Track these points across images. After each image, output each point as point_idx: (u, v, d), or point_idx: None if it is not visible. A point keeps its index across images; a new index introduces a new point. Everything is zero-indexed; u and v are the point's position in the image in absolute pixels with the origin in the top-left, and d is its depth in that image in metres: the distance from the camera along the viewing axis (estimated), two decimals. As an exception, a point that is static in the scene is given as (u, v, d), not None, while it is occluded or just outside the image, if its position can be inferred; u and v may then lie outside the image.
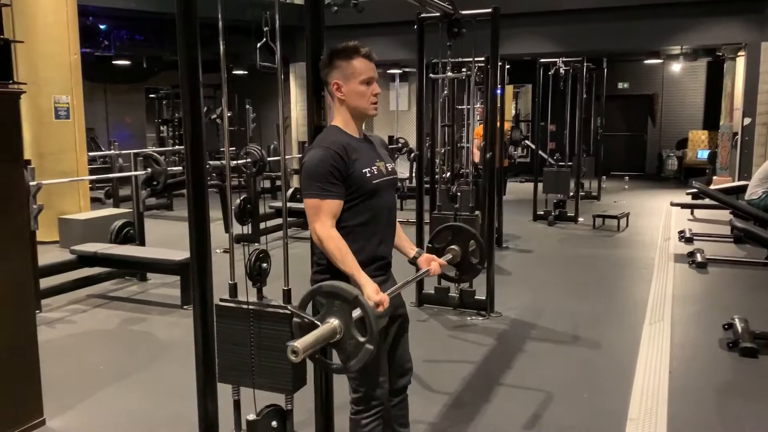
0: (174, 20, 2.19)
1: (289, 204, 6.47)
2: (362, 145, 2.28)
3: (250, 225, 2.72)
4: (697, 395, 3.60)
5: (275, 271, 2.49)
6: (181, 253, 5.19)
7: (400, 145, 11.87)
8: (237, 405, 2.48)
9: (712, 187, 9.52)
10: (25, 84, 3.45)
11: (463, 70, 6.21)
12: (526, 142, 12.71)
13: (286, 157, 10.61)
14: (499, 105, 6.77)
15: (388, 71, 14.95)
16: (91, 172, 10.20)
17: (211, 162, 7.00)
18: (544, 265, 6.95)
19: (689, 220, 9.20)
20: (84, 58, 8.62)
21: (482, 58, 6.37)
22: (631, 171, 15.65)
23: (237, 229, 2.62)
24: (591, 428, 3.25)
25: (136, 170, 6.33)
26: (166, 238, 7.50)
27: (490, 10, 4.93)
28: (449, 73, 5.26)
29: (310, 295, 1.98)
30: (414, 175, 10.35)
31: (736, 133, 11.60)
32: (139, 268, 5.99)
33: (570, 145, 10.08)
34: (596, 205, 10.77)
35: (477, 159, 7.04)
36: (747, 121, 11.16)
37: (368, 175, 2.22)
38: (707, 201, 8.12)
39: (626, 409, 3.39)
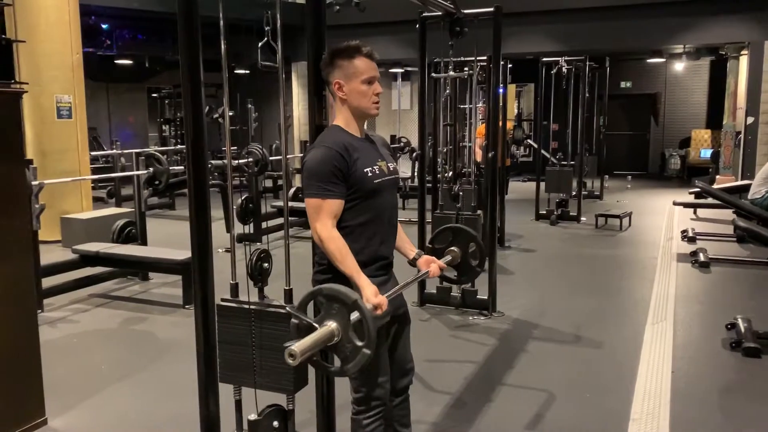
0: (176, 19, 2.19)
1: (290, 203, 6.48)
2: (364, 145, 2.28)
3: (251, 224, 2.72)
4: (700, 395, 3.59)
5: (277, 270, 2.49)
6: (182, 252, 5.18)
7: (402, 144, 11.86)
8: (238, 405, 2.49)
9: (715, 186, 9.49)
10: (27, 84, 3.45)
11: (465, 69, 6.21)
12: (529, 141, 12.68)
13: (288, 156, 10.62)
14: (501, 104, 6.76)
15: (390, 70, 14.94)
16: (94, 171, 10.22)
17: (212, 161, 7.01)
18: (546, 265, 6.94)
19: (692, 219, 9.18)
20: (86, 58, 8.63)
21: (484, 57, 6.36)
22: (634, 170, 15.62)
23: (239, 228, 2.62)
24: (593, 428, 3.24)
25: (138, 170, 6.33)
26: (168, 238, 7.50)
27: (492, 9, 4.91)
28: (451, 73, 5.25)
29: (310, 296, 1.98)
30: (416, 174, 10.37)
31: (739, 132, 11.57)
32: (140, 268, 5.99)
33: (572, 144, 10.06)
34: (599, 205, 10.75)
35: (479, 158, 7.04)
36: (750, 120, 11.12)
37: (369, 174, 2.21)
38: (710, 200, 8.10)
39: (629, 409, 3.38)
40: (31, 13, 7.51)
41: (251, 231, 6.80)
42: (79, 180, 7.85)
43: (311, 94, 2.47)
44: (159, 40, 12.82)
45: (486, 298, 5.09)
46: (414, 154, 10.66)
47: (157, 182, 6.29)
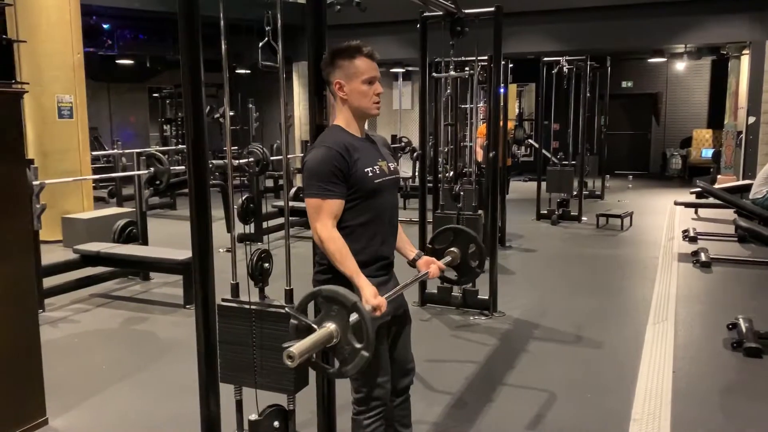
0: (177, 19, 2.19)
1: (291, 203, 6.48)
2: (364, 145, 2.27)
3: (252, 224, 2.72)
4: (701, 395, 3.59)
5: (278, 270, 2.49)
6: (183, 252, 5.18)
7: (403, 144, 11.85)
8: (239, 405, 2.48)
9: (716, 186, 9.48)
10: (28, 84, 3.45)
11: (466, 69, 6.21)
12: (530, 141, 12.68)
13: (289, 156, 10.62)
14: (502, 104, 6.76)
15: (391, 70, 14.94)
16: (95, 171, 10.22)
17: (213, 161, 7.01)
18: (547, 265, 6.94)
19: (693, 219, 9.17)
20: (87, 58, 8.63)
21: (485, 57, 6.36)
22: (635, 170, 15.61)
23: (240, 228, 2.62)
24: (594, 429, 3.24)
25: (139, 170, 6.34)
26: (169, 238, 7.50)
27: (492, 8, 4.92)
28: (452, 72, 5.25)
29: (309, 297, 1.98)
30: (417, 174, 10.36)
31: (740, 132, 11.56)
32: (141, 268, 6.00)
33: (573, 144, 10.06)
34: (600, 204, 10.75)
35: (480, 158, 7.03)
36: (751, 119, 11.12)
37: (370, 174, 2.21)
38: (711, 200, 8.09)
39: (630, 410, 3.37)
40: (32, 13, 7.52)
41: (252, 231, 6.81)
42: (80, 180, 7.86)
43: (312, 94, 2.47)
44: (160, 40, 12.83)
45: (487, 298, 5.09)
46: (415, 154, 10.66)
47: (158, 182, 6.29)
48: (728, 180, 10.95)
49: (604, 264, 6.87)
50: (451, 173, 6.79)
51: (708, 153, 14.38)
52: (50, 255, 6.17)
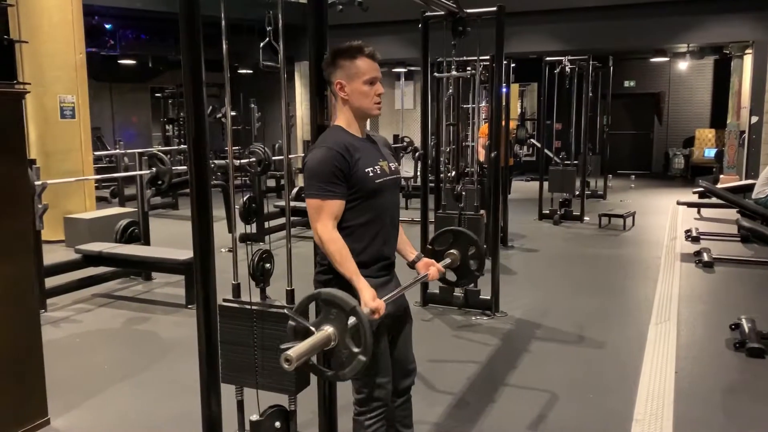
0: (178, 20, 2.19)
1: (293, 203, 6.48)
2: (365, 145, 2.27)
3: (254, 224, 2.72)
4: (704, 396, 3.58)
5: (279, 270, 2.49)
6: (185, 252, 5.18)
7: (405, 144, 11.85)
8: (240, 405, 2.48)
9: (719, 185, 9.47)
10: (29, 84, 3.45)
11: (468, 68, 6.20)
12: (532, 140, 12.66)
13: (291, 156, 10.62)
14: (504, 103, 6.75)
15: (393, 70, 14.93)
16: (97, 171, 10.24)
17: (215, 161, 7.01)
18: (549, 265, 6.93)
19: (696, 219, 9.15)
20: (89, 58, 8.64)
21: (487, 57, 6.35)
22: (638, 170, 15.59)
23: (241, 228, 2.61)
24: (596, 429, 3.23)
25: (141, 170, 6.34)
26: (171, 238, 7.50)
27: (494, 8, 4.91)
28: (454, 72, 5.24)
29: (308, 300, 1.98)
30: (419, 174, 10.36)
31: (743, 132, 11.54)
32: (143, 268, 6.00)
33: (576, 143, 10.04)
34: (602, 204, 10.73)
35: (482, 158, 7.02)
36: (754, 119, 11.09)
37: (371, 174, 2.21)
38: (714, 200, 8.09)
39: (632, 410, 3.37)
40: (34, 13, 7.53)
41: (254, 231, 6.80)
42: (82, 180, 7.86)
43: (313, 94, 2.46)
44: (162, 40, 12.85)
45: (489, 298, 5.08)
46: (417, 154, 10.65)
47: (160, 182, 6.30)
48: (731, 180, 10.94)
49: (606, 264, 6.86)
50: (453, 173, 6.79)
51: (711, 153, 14.36)
52: (52, 255, 6.17)
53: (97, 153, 10.91)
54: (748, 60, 11.59)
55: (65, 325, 4.92)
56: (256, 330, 2.38)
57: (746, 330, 4.25)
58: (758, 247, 7.11)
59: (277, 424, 2.42)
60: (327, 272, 2.22)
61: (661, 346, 4.29)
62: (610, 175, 12.64)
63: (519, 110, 16.51)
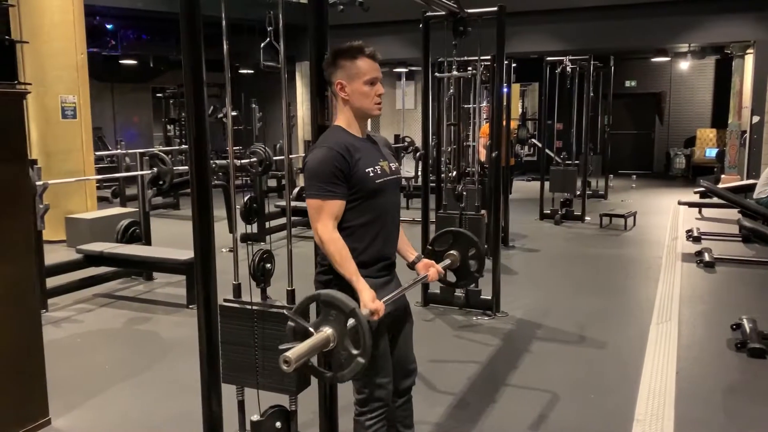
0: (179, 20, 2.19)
1: (294, 203, 6.49)
2: (365, 145, 2.27)
3: (255, 224, 2.72)
4: (705, 396, 3.58)
5: (280, 270, 2.49)
6: (186, 252, 5.18)
7: (406, 143, 11.85)
8: (241, 405, 2.48)
9: (720, 185, 9.47)
10: (30, 84, 3.45)
11: (469, 68, 6.20)
12: (533, 140, 12.66)
13: (292, 156, 10.62)
14: (505, 103, 6.74)
15: (394, 70, 14.92)
16: (99, 171, 10.24)
17: (217, 161, 7.01)
18: (550, 265, 6.92)
19: (697, 219, 9.14)
20: (91, 58, 8.65)
21: (488, 57, 6.35)
22: (639, 169, 15.57)
23: (242, 228, 2.61)
24: (597, 429, 3.23)
25: (142, 170, 6.34)
26: (173, 238, 7.50)
27: (495, 8, 4.90)
28: (455, 72, 5.24)
29: (307, 301, 1.98)
30: (420, 174, 10.36)
31: (744, 132, 11.52)
32: (144, 268, 6.01)
33: (577, 143, 10.04)
34: (603, 204, 10.73)
35: (483, 158, 7.02)
36: (756, 119, 11.09)
37: (371, 174, 2.21)
38: (715, 200, 8.07)
39: (633, 410, 3.36)
40: (35, 13, 7.53)
41: (255, 231, 6.81)
42: (83, 180, 7.87)
43: (314, 95, 2.47)
44: (163, 40, 12.85)
45: (490, 298, 5.08)
46: (418, 154, 10.65)
47: (161, 182, 6.30)
48: (732, 180, 10.93)
49: (607, 264, 6.86)
50: (454, 173, 6.78)
51: (712, 152, 14.35)
52: (54, 255, 6.18)
53: (98, 153, 10.91)
54: (749, 60, 11.58)
55: (66, 325, 4.93)
56: (257, 330, 2.38)
57: (747, 330, 4.25)
58: (759, 247, 7.10)
59: (278, 424, 2.43)
60: (328, 272, 2.22)
61: (662, 346, 4.29)
62: (611, 175, 12.63)
63: (520, 110, 16.51)
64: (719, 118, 14.61)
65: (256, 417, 2.41)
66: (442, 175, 5.93)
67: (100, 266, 5.79)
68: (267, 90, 13.33)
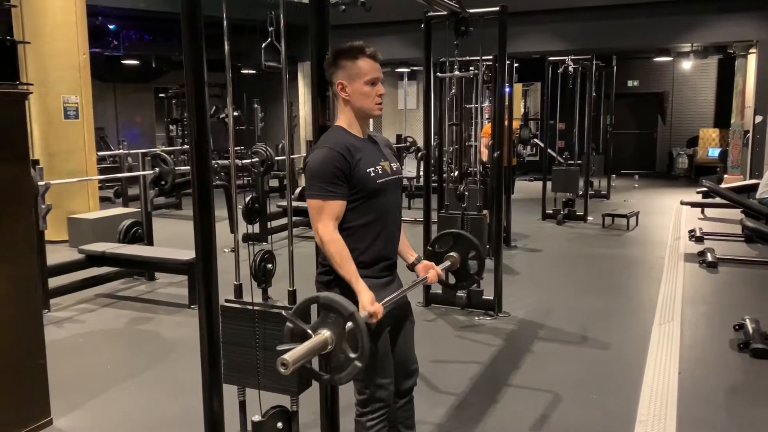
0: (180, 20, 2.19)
1: (296, 203, 6.48)
2: (366, 145, 2.27)
3: (257, 224, 2.72)
4: (707, 397, 3.57)
5: (282, 270, 2.49)
6: (188, 252, 5.18)
7: (408, 143, 11.85)
8: (242, 406, 2.48)
9: (722, 185, 9.44)
10: (32, 84, 3.45)
11: (471, 68, 6.19)
12: (535, 140, 12.66)
13: (294, 156, 10.62)
14: (507, 103, 6.73)
15: (396, 70, 14.92)
16: (101, 171, 10.25)
17: (219, 161, 7.01)
18: (552, 265, 6.92)
19: (700, 219, 9.13)
20: (93, 58, 8.66)
21: (490, 57, 6.34)
22: (641, 169, 15.55)
23: (244, 228, 2.61)
24: (599, 430, 3.23)
25: (144, 170, 6.35)
26: (175, 238, 7.51)
27: (497, 8, 4.90)
28: (457, 72, 5.24)
29: (306, 303, 1.98)
30: (422, 174, 10.35)
31: (747, 131, 11.50)
32: (146, 268, 6.01)
33: (579, 143, 10.02)
34: (606, 204, 10.71)
35: (485, 158, 7.01)
36: (759, 119, 11.06)
37: (372, 174, 2.21)
38: (718, 200, 8.05)
39: (635, 411, 3.36)
40: (38, 14, 7.54)
41: (257, 231, 6.81)
42: (85, 180, 7.88)
43: (315, 95, 2.46)
44: (165, 41, 12.86)
45: (492, 298, 5.08)
46: (420, 154, 10.64)
47: (163, 182, 6.31)
48: (735, 179, 10.90)
49: (609, 264, 6.84)
50: (456, 173, 6.77)
51: (715, 152, 14.32)
52: (56, 255, 6.19)
53: (100, 153, 10.92)
54: (752, 59, 11.55)
55: (68, 325, 4.93)
56: (258, 330, 2.38)
57: (750, 330, 4.24)
58: (762, 247, 7.09)
59: (279, 424, 2.42)
60: (329, 273, 2.22)
61: (665, 347, 4.28)
62: (614, 175, 12.61)
63: (522, 110, 16.49)
64: (722, 118, 14.58)
65: (257, 417, 2.40)
66: (444, 175, 5.92)
67: (102, 266, 5.79)
68: (269, 90, 13.37)
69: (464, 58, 5.31)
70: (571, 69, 9.41)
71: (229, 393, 2.45)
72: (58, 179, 6.40)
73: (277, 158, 7.55)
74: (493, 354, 4.27)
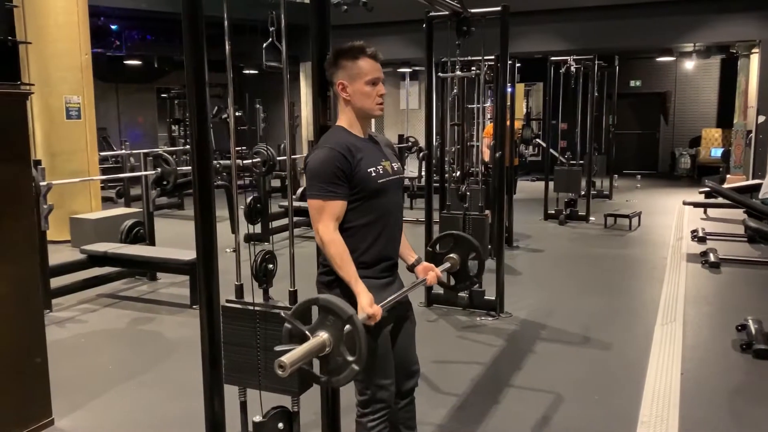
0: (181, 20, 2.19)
1: (298, 203, 6.48)
2: (367, 145, 2.26)
3: (260, 225, 2.72)
4: (710, 398, 3.56)
5: (283, 270, 2.49)
6: (190, 252, 5.16)
7: (410, 143, 11.84)
8: (243, 406, 2.48)
9: (725, 185, 9.43)
10: (33, 84, 3.46)
11: (473, 68, 6.19)
12: (537, 140, 12.64)
13: (296, 156, 10.61)
14: (509, 103, 6.72)
15: (398, 70, 14.91)
16: (103, 171, 10.26)
17: (221, 161, 7.00)
18: (554, 265, 6.91)
19: (702, 219, 9.11)
20: (95, 58, 8.67)
21: (492, 57, 6.33)
22: (644, 169, 15.52)
23: (247, 228, 2.61)
24: (601, 431, 3.22)
25: (146, 170, 6.35)
26: (177, 238, 7.51)
27: (499, 8, 4.89)
28: (458, 72, 5.23)
29: (306, 304, 1.98)
30: (423, 174, 10.34)
31: (750, 131, 11.47)
32: (148, 268, 6.01)
33: (581, 143, 10.01)
34: (608, 204, 10.70)
35: (487, 158, 7.01)
36: (761, 119, 11.04)
37: (373, 174, 2.20)
38: (720, 200, 8.04)
39: (637, 412, 3.35)
40: (40, 14, 7.55)
41: (259, 231, 6.81)
42: (88, 180, 7.89)
43: (315, 95, 2.46)
44: (167, 41, 12.87)
45: (493, 298, 5.07)
46: (421, 154, 10.63)
47: (165, 182, 6.31)
48: (737, 180, 10.87)
49: (612, 264, 6.83)
50: (458, 173, 6.76)
51: (717, 152, 14.29)
52: (58, 255, 6.20)
53: (102, 153, 10.93)
54: (754, 59, 11.52)
55: (70, 325, 4.94)
56: (259, 331, 2.38)
57: (753, 331, 4.23)
58: (765, 248, 7.07)
59: (280, 425, 2.42)
60: (330, 273, 2.21)
61: (667, 347, 4.27)
62: (616, 175, 12.60)
63: (524, 110, 16.48)
64: (724, 118, 14.55)
65: (258, 418, 2.40)
66: (446, 176, 5.92)
67: (104, 266, 5.80)
68: (271, 90, 13.37)
69: (466, 58, 5.30)
70: (573, 69, 9.40)
71: (230, 393, 2.45)
72: (61, 179, 6.41)
73: (279, 158, 7.54)
74: (495, 354, 4.26)
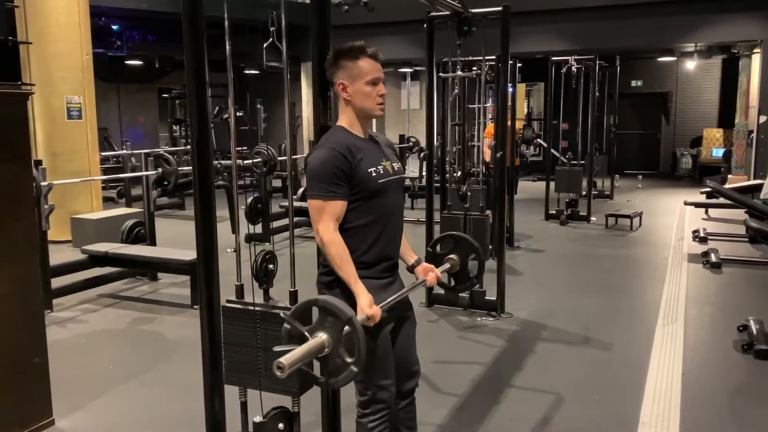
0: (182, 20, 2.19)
1: (298, 203, 6.48)
2: (367, 145, 2.26)
3: (261, 225, 2.72)
4: (711, 398, 3.55)
5: (284, 270, 2.48)
6: (191, 252, 5.13)
7: (411, 144, 11.83)
8: (244, 407, 2.48)
9: (726, 185, 9.42)
10: (34, 84, 3.46)
11: (474, 68, 6.18)
12: (539, 140, 12.62)
13: (297, 156, 10.62)
14: (510, 103, 6.72)
15: (399, 70, 14.91)
16: (104, 171, 10.27)
17: (222, 162, 7.00)
18: (555, 265, 6.90)
19: (703, 219, 9.11)
20: (96, 59, 8.67)
21: (493, 57, 6.33)
22: (645, 170, 15.51)
23: (247, 228, 2.61)
24: (602, 431, 3.21)
25: (147, 170, 6.35)
26: (178, 238, 7.51)
27: (500, 8, 4.89)
28: (459, 72, 5.23)
29: (305, 305, 1.97)
30: (424, 174, 10.34)
31: (751, 131, 11.47)
32: (149, 268, 6.01)
33: (582, 143, 10.00)
34: (609, 204, 10.69)
35: (488, 158, 7.00)
36: (762, 118, 11.03)
37: (374, 174, 2.20)
38: (722, 200, 8.03)
39: (638, 412, 3.35)
40: (41, 14, 7.56)
41: (260, 231, 6.80)
42: (89, 180, 7.89)
43: (316, 95, 2.46)
44: (169, 41, 12.88)
45: (494, 298, 5.06)
46: (422, 154, 10.63)
47: (165, 182, 6.30)
48: (739, 180, 10.87)
49: (613, 264, 6.83)
50: (459, 173, 6.76)
51: (718, 152, 14.27)
52: (59, 255, 6.20)
53: (103, 153, 10.94)
54: (756, 59, 11.51)
55: (71, 326, 4.94)
56: (260, 331, 2.37)
57: (754, 332, 4.22)
58: (766, 248, 7.06)
59: (281, 425, 2.42)
60: (330, 273, 2.21)
61: (668, 348, 4.26)
62: (617, 175, 12.59)
63: (525, 110, 16.46)
64: (726, 118, 14.53)
65: (258, 418, 2.40)
66: (447, 176, 5.91)
67: (105, 266, 5.80)
68: (272, 90, 13.37)
69: (467, 58, 5.30)
70: (574, 69, 9.39)
71: (231, 394, 2.44)
72: (62, 179, 6.41)
73: (280, 158, 7.54)
74: (496, 355, 4.26)
